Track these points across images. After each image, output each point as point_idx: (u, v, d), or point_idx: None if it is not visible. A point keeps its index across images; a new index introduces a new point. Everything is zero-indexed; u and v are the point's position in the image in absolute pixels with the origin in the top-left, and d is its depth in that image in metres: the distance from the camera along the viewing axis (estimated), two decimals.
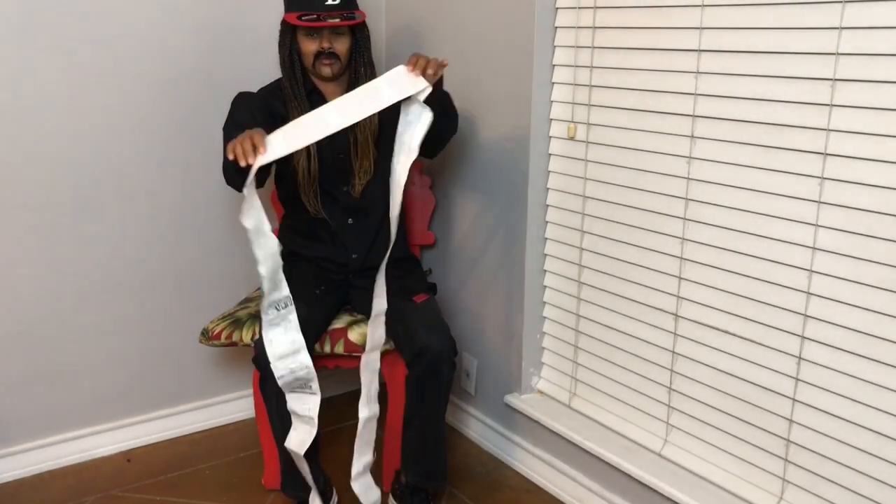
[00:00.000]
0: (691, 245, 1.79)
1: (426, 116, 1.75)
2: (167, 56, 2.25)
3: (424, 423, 1.98)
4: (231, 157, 1.69)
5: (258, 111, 2.03)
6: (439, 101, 1.89)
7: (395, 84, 1.76)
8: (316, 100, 2.04)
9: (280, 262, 1.77)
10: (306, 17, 1.93)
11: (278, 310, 1.81)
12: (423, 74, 1.75)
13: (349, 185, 2.08)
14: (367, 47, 2.07)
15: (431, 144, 2.01)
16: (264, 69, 2.37)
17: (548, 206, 2.16)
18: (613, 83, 1.91)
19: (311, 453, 1.98)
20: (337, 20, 1.95)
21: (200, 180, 2.37)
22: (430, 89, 1.76)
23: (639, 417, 2.01)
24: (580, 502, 2.12)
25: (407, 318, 1.97)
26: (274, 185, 2.22)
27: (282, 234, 2.19)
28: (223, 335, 2.07)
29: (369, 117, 1.99)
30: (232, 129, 1.96)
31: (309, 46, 1.99)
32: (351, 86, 2.06)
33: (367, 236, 2.12)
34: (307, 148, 2.00)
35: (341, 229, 2.11)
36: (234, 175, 1.83)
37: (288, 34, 2.02)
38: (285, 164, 2.03)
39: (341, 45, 2.01)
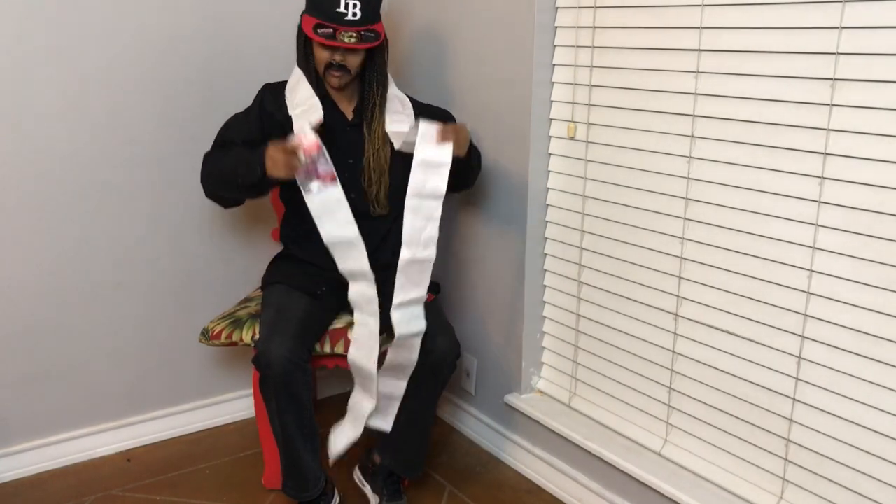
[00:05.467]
0: (691, 245, 1.79)
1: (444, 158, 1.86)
2: (169, 57, 2.25)
3: (414, 416, 2.02)
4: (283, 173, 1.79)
5: (254, 130, 2.01)
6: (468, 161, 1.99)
7: (424, 141, 1.85)
8: (328, 105, 2.04)
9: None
10: (322, 31, 1.87)
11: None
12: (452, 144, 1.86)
13: (357, 191, 2.07)
14: (382, 63, 2.02)
15: (456, 185, 2.05)
16: (267, 70, 2.37)
17: (548, 205, 2.16)
18: (613, 83, 1.91)
19: (312, 452, 1.99)
20: (353, 40, 1.88)
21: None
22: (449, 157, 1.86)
23: (639, 417, 2.01)
24: (580, 502, 2.12)
25: None
26: None
27: (283, 234, 2.18)
28: (223, 335, 2.07)
29: (383, 126, 2.03)
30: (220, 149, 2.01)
31: (321, 54, 1.94)
32: (361, 100, 2.05)
33: (373, 240, 2.11)
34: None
35: None
36: (238, 189, 1.93)
37: (303, 37, 1.98)
38: None
39: (353, 60, 1.95)
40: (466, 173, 2.04)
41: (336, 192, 1.86)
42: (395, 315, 1.87)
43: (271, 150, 1.81)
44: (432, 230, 1.87)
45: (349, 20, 1.87)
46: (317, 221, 1.85)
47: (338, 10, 1.87)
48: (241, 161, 1.88)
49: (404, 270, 1.86)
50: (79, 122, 2.16)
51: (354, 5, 1.87)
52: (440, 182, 1.84)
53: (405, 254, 1.86)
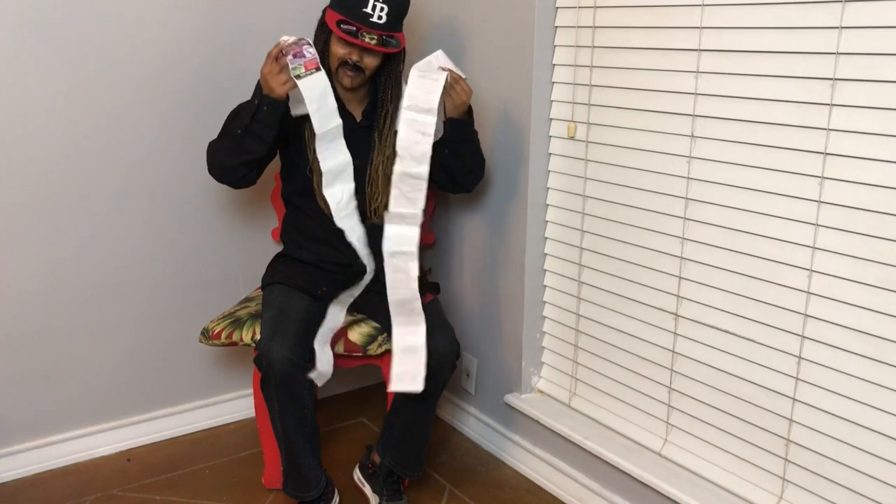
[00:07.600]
0: (691, 244, 1.79)
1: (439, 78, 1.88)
2: (169, 56, 2.25)
3: (414, 416, 2.02)
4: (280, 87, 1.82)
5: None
6: (465, 131, 2.00)
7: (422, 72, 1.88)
8: (337, 104, 2.03)
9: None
10: (345, 28, 1.88)
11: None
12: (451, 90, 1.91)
13: (360, 193, 2.07)
14: (397, 71, 2.02)
15: (453, 174, 2.06)
16: None
17: (548, 205, 2.16)
18: (613, 83, 1.91)
19: (313, 453, 1.99)
20: (375, 41, 1.89)
21: (201, 180, 2.37)
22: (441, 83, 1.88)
23: (639, 417, 2.01)
24: (580, 502, 2.12)
25: None
26: (278, 181, 2.21)
27: (284, 233, 2.18)
28: (223, 335, 2.07)
29: (394, 135, 2.02)
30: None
31: (339, 51, 1.94)
32: (371, 101, 2.06)
33: (375, 242, 2.10)
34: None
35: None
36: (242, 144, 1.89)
37: (324, 32, 1.97)
38: (297, 158, 2.02)
39: (370, 62, 1.95)
40: (465, 154, 2.03)
41: (323, 78, 1.85)
42: (387, 230, 1.89)
43: (262, 69, 1.84)
44: (425, 146, 1.87)
45: (374, 22, 1.88)
46: (309, 108, 1.85)
47: (364, 9, 1.88)
48: (239, 109, 1.93)
49: (397, 184, 1.88)
50: (79, 122, 2.16)
51: (382, 9, 1.88)
52: (433, 98, 1.86)
53: (398, 166, 1.87)
